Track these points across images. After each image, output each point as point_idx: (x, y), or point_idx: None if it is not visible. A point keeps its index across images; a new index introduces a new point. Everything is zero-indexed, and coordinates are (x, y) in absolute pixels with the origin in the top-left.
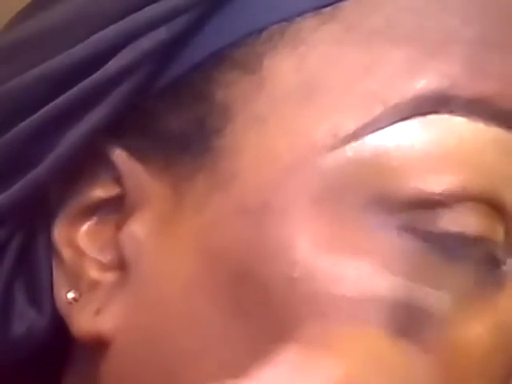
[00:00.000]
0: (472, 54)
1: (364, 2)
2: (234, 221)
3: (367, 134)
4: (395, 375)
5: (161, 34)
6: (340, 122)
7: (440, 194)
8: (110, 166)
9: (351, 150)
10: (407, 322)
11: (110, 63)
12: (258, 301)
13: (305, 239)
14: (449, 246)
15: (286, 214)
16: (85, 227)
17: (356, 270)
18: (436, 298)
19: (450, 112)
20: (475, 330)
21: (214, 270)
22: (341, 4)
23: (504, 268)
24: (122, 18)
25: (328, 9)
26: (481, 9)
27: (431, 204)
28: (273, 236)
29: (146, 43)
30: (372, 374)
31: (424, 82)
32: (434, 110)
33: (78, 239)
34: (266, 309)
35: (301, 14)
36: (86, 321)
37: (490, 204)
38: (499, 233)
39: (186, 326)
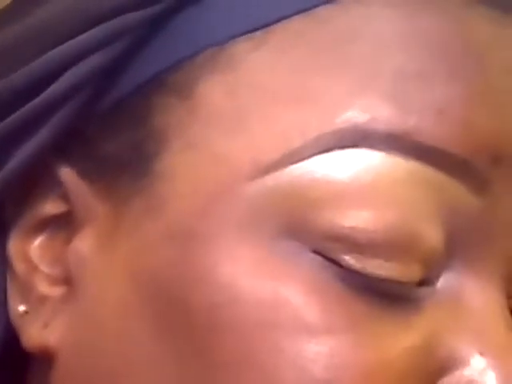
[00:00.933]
0: (393, 86)
1: (294, 27)
2: (161, 246)
3: (287, 164)
4: None
5: (98, 58)
6: (262, 151)
7: (348, 229)
8: (59, 184)
9: (271, 179)
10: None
11: (51, 88)
12: (184, 325)
13: (227, 265)
14: (357, 277)
15: (209, 241)
16: (37, 242)
17: (273, 294)
18: (349, 321)
19: (369, 146)
20: (387, 352)
21: (143, 294)
22: (271, 28)
23: (421, 293)
24: (62, 43)
25: (259, 33)
26: (401, 40)
27: (339, 238)
28: (197, 262)
29: (84, 68)
30: None
31: (345, 116)
32: (354, 145)
33: (31, 253)
34: (191, 333)
35: (231, 38)
36: (34, 334)
37: (402, 241)
38: (413, 272)
39: (119, 345)
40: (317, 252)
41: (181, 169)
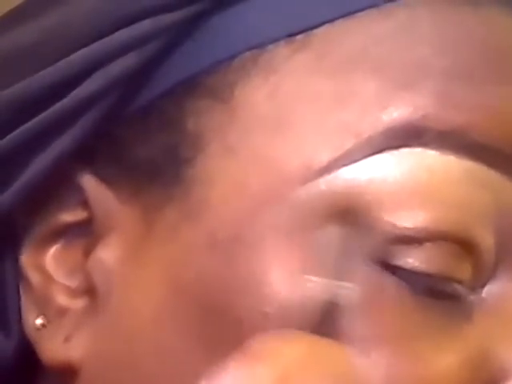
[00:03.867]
0: (443, 86)
1: (336, 30)
2: (203, 253)
3: (340, 166)
4: None
5: (130, 59)
6: (313, 154)
7: (410, 230)
8: (78, 190)
9: (324, 183)
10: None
11: (79, 89)
12: (230, 335)
13: (277, 273)
14: (416, 281)
15: (257, 248)
16: (52, 251)
17: (326, 304)
18: (408, 332)
19: (422, 145)
20: (445, 363)
21: (184, 303)
22: (313, 32)
23: (472, 301)
24: (92, 42)
25: (300, 36)
26: (453, 40)
27: (401, 240)
28: (244, 270)
29: (116, 69)
30: None
31: (396, 114)
32: (406, 143)
33: (46, 263)
34: (239, 343)
35: (273, 41)
36: (54, 348)
37: (459, 241)
38: (466, 270)
39: (156, 356)
40: (373, 259)
41: (221, 173)
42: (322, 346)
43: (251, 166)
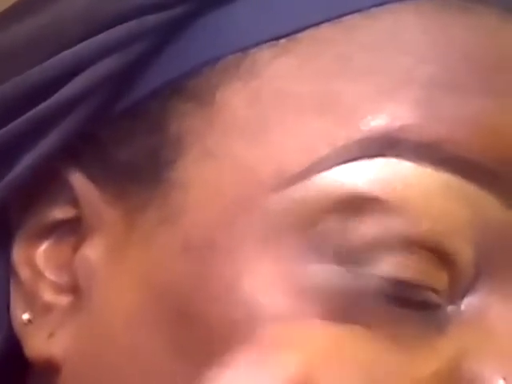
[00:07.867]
0: (424, 96)
1: (320, 35)
2: (178, 257)
3: (313, 174)
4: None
5: (116, 60)
6: (287, 162)
7: (382, 238)
8: (68, 188)
9: (297, 190)
10: None
11: (64, 89)
12: (200, 340)
13: (248, 280)
14: (388, 288)
15: (230, 253)
16: (43, 247)
17: (293, 312)
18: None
19: (398, 156)
20: (415, 374)
21: (158, 306)
22: (297, 36)
23: (449, 312)
24: (80, 42)
25: (284, 40)
26: (438, 47)
27: (373, 247)
28: (216, 275)
29: (101, 69)
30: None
31: (373, 124)
32: (382, 153)
33: (36, 259)
34: (208, 348)
35: (257, 44)
36: (38, 343)
37: (433, 250)
38: (441, 280)
39: (129, 358)
40: (345, 265)
41: (199, 178)
42: (347, 334)
43: (228, 172)
